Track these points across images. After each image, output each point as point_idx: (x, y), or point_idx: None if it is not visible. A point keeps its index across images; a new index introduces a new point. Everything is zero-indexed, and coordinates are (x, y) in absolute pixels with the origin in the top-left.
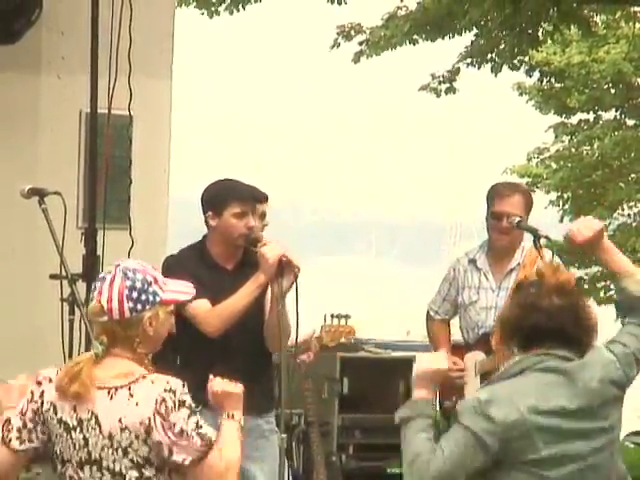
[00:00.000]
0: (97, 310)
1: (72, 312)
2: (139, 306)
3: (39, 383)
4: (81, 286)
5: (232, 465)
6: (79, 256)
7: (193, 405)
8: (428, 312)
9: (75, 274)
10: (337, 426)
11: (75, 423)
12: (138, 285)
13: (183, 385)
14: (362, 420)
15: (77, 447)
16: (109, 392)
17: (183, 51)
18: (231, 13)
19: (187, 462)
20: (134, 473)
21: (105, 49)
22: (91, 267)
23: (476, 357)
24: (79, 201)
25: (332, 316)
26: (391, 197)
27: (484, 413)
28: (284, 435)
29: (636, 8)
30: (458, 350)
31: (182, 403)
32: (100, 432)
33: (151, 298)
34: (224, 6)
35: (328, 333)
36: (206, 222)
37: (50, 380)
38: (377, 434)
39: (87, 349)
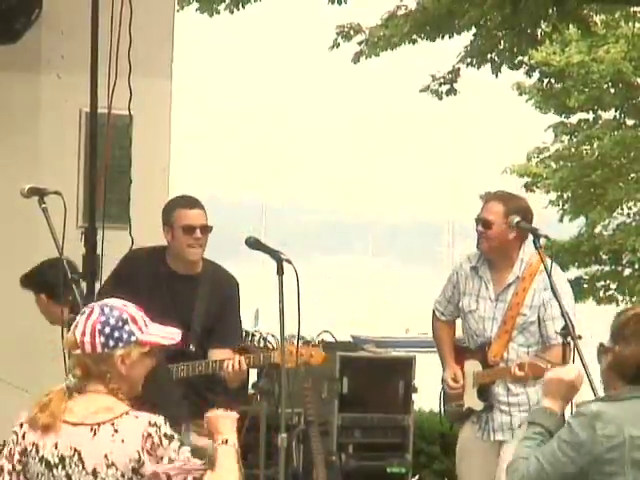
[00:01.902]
0: (71, 342)
1: (72, 311)
2: (111, 342)
3: (21, 425)
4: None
5: None
6: (79, 255)
7: (173, 436)
8: (434, 312)
9: (75, 273)
10: (337, 425)
11: (57, 460)
12: (112, 322)
13: (165, 421)
14: (362, 419)
15: None
16: (92, 428)
17: (183, 51)
18: (231, 12)
19: None
20: None
21: (105, 49)
22: (91, 266)
23: (473, 367)
24: (79, 200)
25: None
26: (390, 197)
27: (590, 425)
28: (284, 435)
29: (635, 8)
30: (461, 352)
31: (169, 437)
32: (83, 468)
33: (125, 336)
34: (224, 5)
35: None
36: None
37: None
38: (377, 433)
39: None
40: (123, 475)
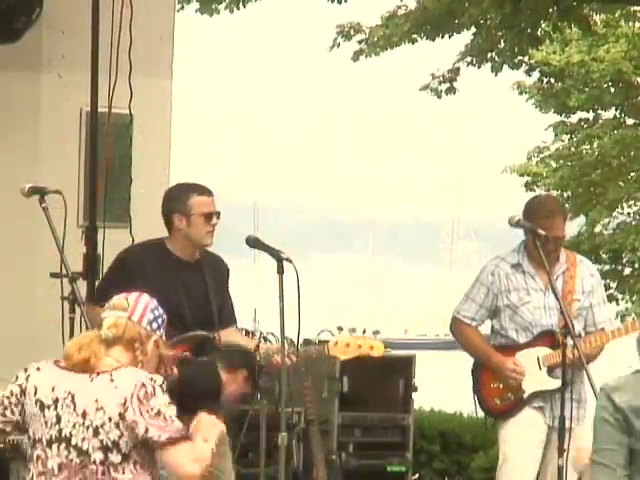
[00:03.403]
0: (123, 305)
1: (72, 310)
2: (154, 324)
3: (26, 370)
4: (81, 284)
5: (202, 459)
6: (79, 254)
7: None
8: (461, 321)
9: (75, 272)
10: (337, 424)
11: (50, 402)
12: (160, 311)
13: (164, 381)
14: (362, 418)
15: (49, 425)
16: (90, 375)
17: (183, 50)
18: (231, 12)
19: (163, 439)
20: (99, 455)
21: (105, 48)
22: (91, 265)
23: (537, 353)
24: (79, 199)
25: (352, 330)
26: (390, 196)
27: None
28: (284, 433)
29: (635, 7)
30: (506, 351)
31: (163, 390)
32: (74, 410)
33: (162, 330)
34: (224, 5)
35: (338, 346)
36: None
37: (38, 369)
38: (377, 432)
39: None
40: (110, 419)
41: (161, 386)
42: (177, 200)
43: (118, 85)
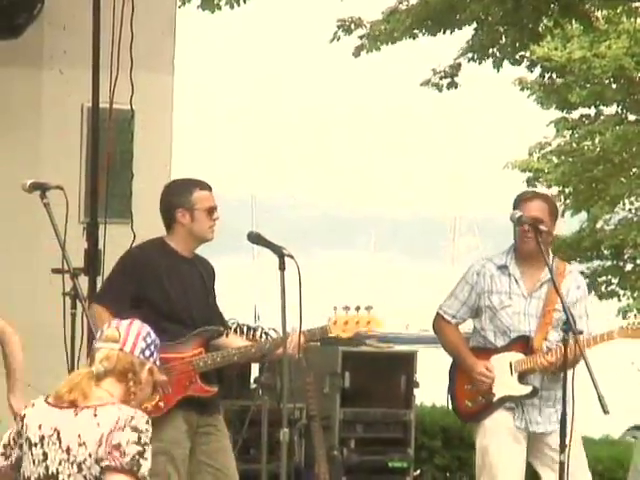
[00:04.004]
0: (113, 337)
1: (74, 306)
2: (147, 352)
3: (25, 406)
4: (83, 280)
5: None
6: (81, 250)
7: (146, 443)
8: (442, 317)
9: (77, 268)
10: (339, 420)
11: (37, 440)
12: (153, 337)
13: (147, 422)
14: (364, 414)
15: (36, 462)
16: (75, 411)
17: (185, 46)
18: (232, 7)
19: (104, 465)
20: None
21: (107, 44)
22: (93, 261)
23: (511, 358)
24: (81, 195)
25: (345, 308)
26: (392, 191)
27: None
28: (286, 429)
29: (637, 3)
30: (482, 353)
31: (136, 429)
32: (60, 447)
33: (156, 355)
34: (225, 0)
35: (337, 325)
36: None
37: (33, 405)
38: (378, 428)
39: (89, 343)
40: (90, 455)
41: (135, 426)
42: (180, 195)
43: (119, 81)
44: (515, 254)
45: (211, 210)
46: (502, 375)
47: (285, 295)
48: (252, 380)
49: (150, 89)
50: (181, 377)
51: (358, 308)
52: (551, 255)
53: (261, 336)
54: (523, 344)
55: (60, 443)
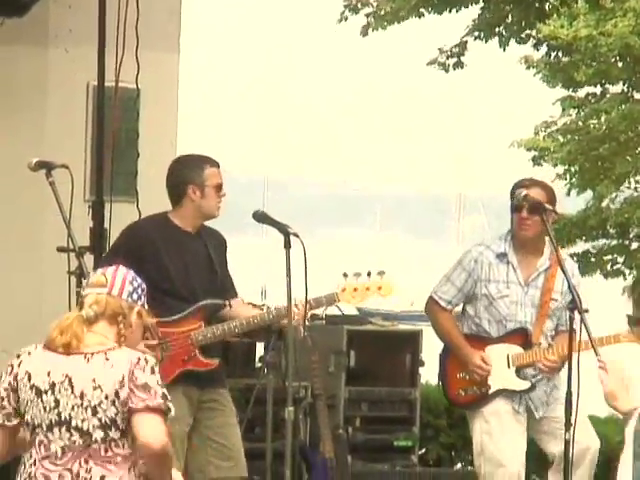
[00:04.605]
0: (101, 281)
1: (79, 285)
2: (135, 296)
3: (18, 356)
4: (88, 259)
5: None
6: (86, 229)
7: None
8: (436, 302)
9: (82, 247)
10: (344, 399)
11: (47, 387)
12: (139, 281)
13: (156, 363)
14: (369, 393)
15: (47, 409)
16: (85, 356)
17: (191, 24)
18: None
19: (140, 406)
20: (100, 433)
21: (113, 22)
22: (98, 240)
23: (508, 350)
24: (86, 174)
25: (356, 274)
26: (397, 170)
27: None
28: (291, 408)
29: None
30: (476, 341)
31: (155, 371)
32: (72, 392)
33: (143, 299)
34: None
35: (346, 292)
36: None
37: (29, 353)
38: (384, 407)
39: None
40: (107, 397)
41: (152, 367)
42: (191, 171)
43: (125, 59)
44: (513, 241)
45: (219, 187)
46: (499, 367)
47: (290, 273)
48: (257, 359)
49: (156, 68)
50: (179, 351)
51: (370, 274)
52: (547, 242)
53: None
54: (521, 336)
55: (73, 389)
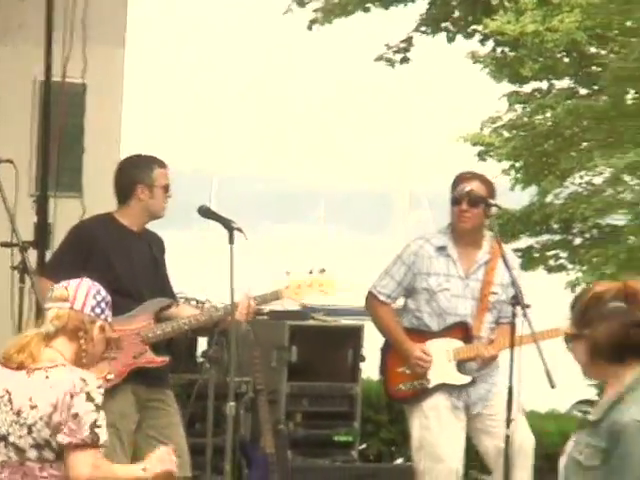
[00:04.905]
0: (63, 295)
1: (22, 280)
2: (98, 310)
3: None
4: (32, 254)
5: (105, 471)
6: (30, 224)
7: (100, 407)
8: (376, 296)
9: (26, 242)
10: (285, 394)
11: None
12: (103, 294)
13: (99, 386)
14: (310, 388)
15: None
16: (28, 372)
17: (137, 20)
18: None
19: (65, 442)
20: (34, 452)
21: (60, 18)
22: (42, 235)
23: (449, 344)
24: (31, 169)
25: (299, 273)
26: (342, 165)
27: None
28: (232, 403)
29: None
30: (417, 335)
31: (90, 398)
32: (11, 408)
33: (107, 313)
34: None
35: (290, 288)
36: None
37: None
38: (325, 402)
39: (37, 317)
40: (41, 418)
41: (89, 393)
42: (141, 171)
43: (72, 54)
44: (453, 234)
45: (167, 188)
46: (439, 361)
47: (234, 268)
48: (200, 354)
49: (102, 62)
50: (130, 349)
51: (311, 272)
52: (489, 234)
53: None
54: (461, 330)
55: (12, 405)
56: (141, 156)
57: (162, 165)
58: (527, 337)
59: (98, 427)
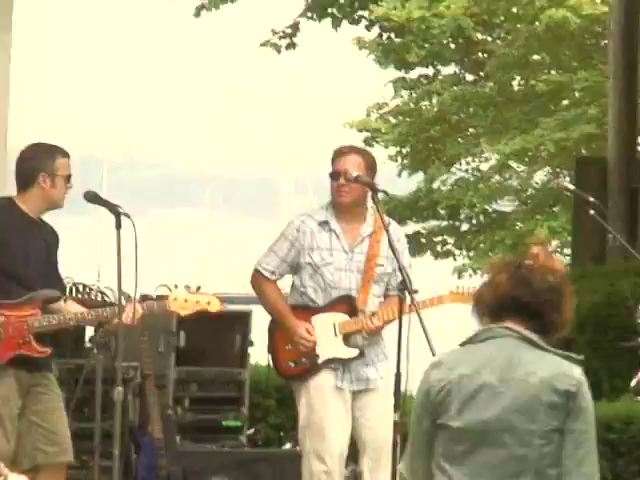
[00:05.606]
0: None
1: None
2: None
3: None
4: None
5: None
6: None
7: None
8: (260, 273)
9: None
10: (173, 379)
11: None
12: None
13: None
14: (198, 373)
15: None
16: None
17: (24, 2)
18: None
19: None
20: None
21: None
22: None
23: (335, 318)
24: None
25: (186, 287)
26: (228, 151)
27: (427, 374)
28: (120, 388)
29: None
30: (303, 311)
31: None
32: None
33: None
34: None
35: (177, 301)
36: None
37: None
38: (213, 387)
39: None
40: None
41: None
42: (44, 159)
43: None
44: (334, 209)
45: (68, 178)
46: (326, 336)
47: (121, 254)
48: (87, 339)
49: None
50: (14, 335)
51: (199, 288)
52: (370, 209)
53: (96, 295)
54: (346, 304)
55: None
56: (44, 144)
57: (65, 155)
58: (411, 307)
59: None
